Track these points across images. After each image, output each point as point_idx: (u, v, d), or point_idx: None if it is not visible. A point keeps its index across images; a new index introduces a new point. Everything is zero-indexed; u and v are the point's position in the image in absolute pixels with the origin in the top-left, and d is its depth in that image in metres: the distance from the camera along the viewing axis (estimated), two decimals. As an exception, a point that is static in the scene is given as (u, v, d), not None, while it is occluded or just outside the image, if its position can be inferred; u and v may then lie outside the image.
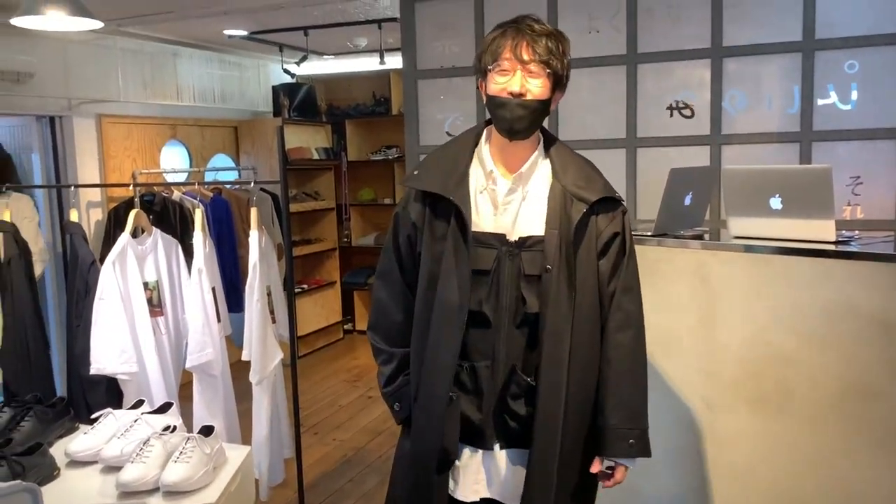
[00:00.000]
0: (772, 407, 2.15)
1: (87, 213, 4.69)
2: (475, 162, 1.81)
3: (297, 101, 6.16)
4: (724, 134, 3.13)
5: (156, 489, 1.80)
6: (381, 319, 1.91)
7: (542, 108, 1.73)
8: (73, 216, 3.04)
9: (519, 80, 1.68)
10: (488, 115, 1.81)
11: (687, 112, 3.20)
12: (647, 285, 2.32)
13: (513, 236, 1.75)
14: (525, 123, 1.72)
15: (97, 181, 4.69)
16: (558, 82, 1.75)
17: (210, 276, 2.76)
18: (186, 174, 5.45)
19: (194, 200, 4.92)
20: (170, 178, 5.23)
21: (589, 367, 1.79)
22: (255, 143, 5.93)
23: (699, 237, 2.35)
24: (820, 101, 2.97)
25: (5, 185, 3.17)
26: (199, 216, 2.80)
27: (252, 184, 3.15)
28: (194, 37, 5.02)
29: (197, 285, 2.67)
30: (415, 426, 1.81)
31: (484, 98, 1.79)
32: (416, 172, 1.83)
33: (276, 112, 6.14)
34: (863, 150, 2.94)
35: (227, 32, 4.81)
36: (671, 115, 3.22)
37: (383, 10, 4.14)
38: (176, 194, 4.78)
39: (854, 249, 2.00)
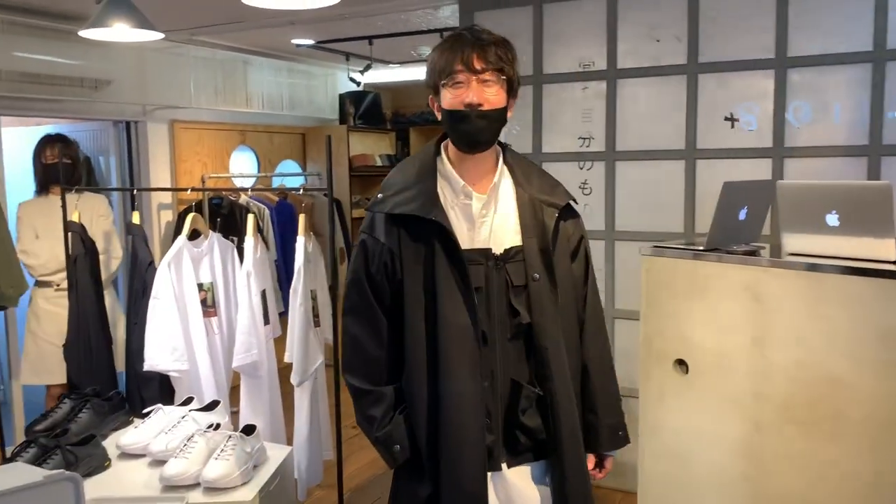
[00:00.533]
0: (824, 432, 2.07)
1: (158, 215, 4.88)
2: (439, 179, 1.77)
3: (363, 109, 6.27)
4: (787, 147, 3.04)
5: (197, 484, 1.86)
6: (359, 358, 1.78)
7: (501, 116, 1.72)
8: (136, 218, 3.18)
9: (475, 90, 1.65)
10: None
11: (748, 123, 3.12)
12: (697, 301, 2.28)
13: (497, 250, 1.73)
14: (487, 135, 1.71)
15: (169, 184, 4.88)
16: (511, 88, 1.73)
17: (260, 279, 2.83)
18: (254, 179, 5.61)
19: (260, 204, 5.07)
20: (237, 183, 5.39)
21: (576, 369, 1.82)
22: (322, 150, 6.05)
23: (752, 253, 2.28)
24: (890, 114, 2.85)
25: (74, 188, 3.32)
26: (250, 221, 2.88)
27: (301, 190, 3.20)
28: (264, 46, 5.16)
29: (245, 288, 2.76)
30: (446, 466, 1.68)
31: (438, 115, 1.75)
32: (380, 196, 1.75)
33: (342, 119, 6.26)
34: (937, 166, 2.81)
35: (295, 42, 4.93)
36: (732, 127, 3.15)
37: (444, 19, 4.17)
38: (243, 198, 4.93)
39: (914, 270, 1.91)
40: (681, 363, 2.35)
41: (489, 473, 1.73)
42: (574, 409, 1.76)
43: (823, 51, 2.94)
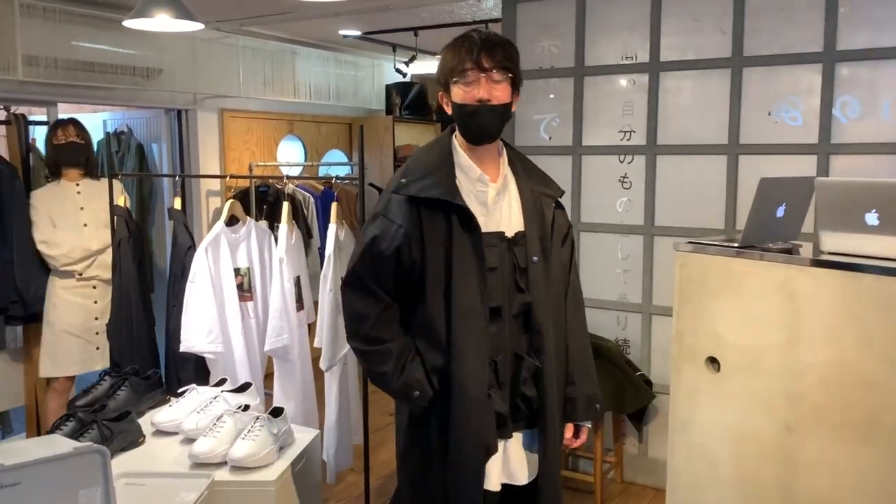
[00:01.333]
0: (857, 435, 2.02)
1: (207, 201, 5.00)
2: (457, 169, 1.90)
3: (409, 100, 6.30)
4: (834, 143, 2.96)
5: (224, 463, 1.91)
6: (362, 325, 1.88)
7: (507, 111, 1.88)
8: (177, 203, 3.27)
9: (484, 86, 1.81)
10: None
11: (793, 119, 3.04)
12: (730, 299, 2.25)
13: (509, 233, 1.90)
14: (494, 127, 1.87)
15: (217, 171, 4.99)
16: (516, 86, 1.89)
17: (294, 265, 2.89)
18: (301, 168, 5.69)
19: (306, 193, 5.15)
20: (285, 171, 5.49)
21: (561, 344, 1.99)
22: (368, 140, 6.10)
23: (788, 251, 2.23)
24: (943, 110, 2.76)
25: (120, 174, 3.39)
26: (285, 208, 2.94)
27: (334, 179, 3.23)
28: (311, 36, 5.23)
29: (278, 274, 2.82)
30: (455, 428, 1.83)
31: (448, 109, 1.90)
32: (403, 181, 1.86)
33: (389, 110, 6.31)
34: None
35: (342, 32, 4.99)
36: (776, 122, 3.08)
37: (489, 11, 4.17)
38: (289, 186, 5.01)
39: (955, 272, 1.85)
40: (713, 361, 2.32)
41: (503, 442, 1.90)
42: (555, 379, 1.94)
43: (873, 45, 2.85)
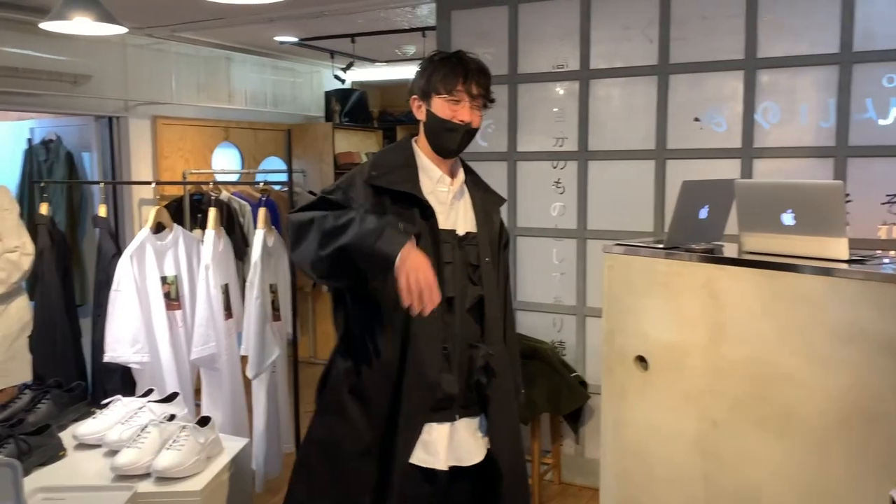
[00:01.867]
0: (776, 428, 2.09)
1: (140, 211, 4.88)
2: (419, 169, 2.04)
3: (349, 107, 6.28)
4: (756, 147, 3.06)
5: (148, 474, 1.87)
6: (324, 222, 1.80)
7: (475, 134, 2.05)
8: (102, 211, 3.19)
9: (468, 110, 1.97)
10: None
11: (718, 124, 3.14)
12: (656, 298, 2.30)
13: (460, 232, 2.04)
14: (464, 146, 2.03)
15: (150, 180, 4.87)
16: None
17: (222, 272, 2.85)
18: (237, 175, 5.61)
19: (242, 201, 5.08)
20: (219, 179, 5.40)
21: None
22: (307, 148, 6.06)
23: (710, 251, 2.30)
24: (856, 116, 2.88)
25: (43, 181, 3.28)
26: (212, 214, 2.90)
27: (261, 184, 3.20)
28: (246, 42, 5.17)
29: (203, 281, 2.78)
30: (408, 400, 1.92)
31: (418, 115, 2.02)
32: (374, 173, 1.98)
33: (328, 117, 6.27)
34: (901, 168, 2.83)
35: (278, 39, 4.94)
36: (702, 128, 3.17)
37: (424, 18, 4.19)
38: (224, 194, 4.94)
39: (864, 269, 1.93)
40: (641, 360, 2.37)
41: (447, 424, 1.99)
42: (509, 369, 2.13)
43: (791, 52, 2.97)
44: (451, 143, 2.00)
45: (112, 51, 4.54)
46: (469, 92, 1.96)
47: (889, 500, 1.11)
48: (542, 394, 3.29)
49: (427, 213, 1.96)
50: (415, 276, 1.71)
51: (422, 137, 2.06)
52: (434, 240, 1.96)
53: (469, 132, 2.00)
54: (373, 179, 1.96)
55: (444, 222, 2.01)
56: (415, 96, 2.03)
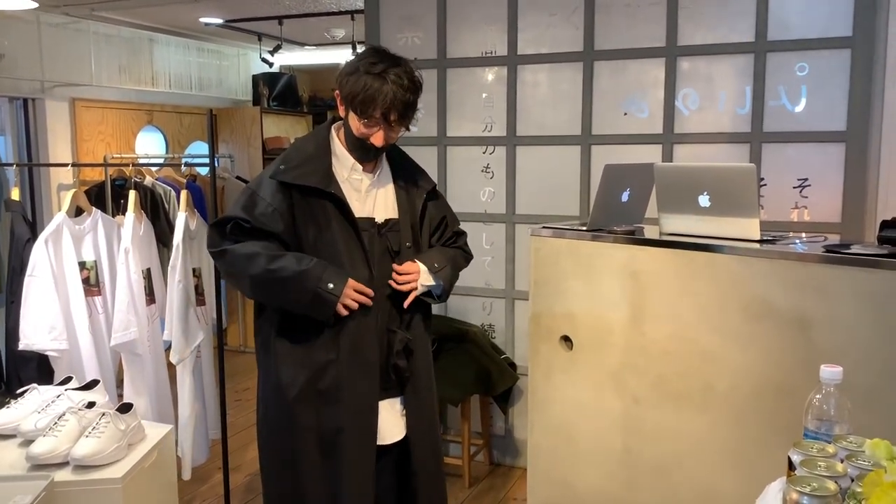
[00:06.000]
0: (695, 403, 2.17)
1: (58, 195, 4.71)
2: (333, 158, 2.05)
3: (277, 91, 6.18)
4: (677, 133, 3.15)
5: (66, 462, 1.82)
6: (255, 263, 1.94)
7: (393, 145, 2.09)
8: (15, 194, 3.07)
9: (383, 135, 1.97)
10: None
11: (640, 110, 3.22)
12: (580, 279, 2.36)
13: (379, 219, 2.06)
14: (378, 157, 2.08)
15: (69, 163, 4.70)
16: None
17: (143, 257, 2.78)
18: (162, 160, 5.46)
19: (167, 186, 4.95)
20: (143, 163, 5.24)
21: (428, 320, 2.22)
22: (234, 132, 5.94)
23: (631, 233, 2.37)
24: (771, 103, 3.00)
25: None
26: (132, 198, 2.83)
27: (183, 167, 3.14)
28: (171, 23, 5.03)
29: (123, 265, 2.71)
30: (352, 388, 2.01)
31: (341, 108, 2.01)
32: (282, 167, 1.98)
33: (256, 101, 6.16)
34: (811, 153, 2.96)
35: (203, 20, 4.82)
36: (625, 114, 3.24)
37: (353, 1, 4.15)
38: (148, 179, 4.80)
39: (774, 248, 2.01)
40: (566, 340, 2.42)
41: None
42: (428, 352, 2.18)
43: (710, 41, 3.06)
44: (363, 156, 2.04)
45: (26, 29, 4.35)
46: (387, 119, 1.94)
47: (787, 459, 1.18)
48: (472, 375, 3.33)
49: (339, 205, 1.98)
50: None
51: (341, 127, 2.07)
52: (351, 230, 1.99)
53: (381, 150, 2.02)
54: (279, 175, 1.97)
55: (360, 210, 2.02)
56: (337, 91, 2.01)
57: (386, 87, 1.89)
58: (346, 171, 2.04)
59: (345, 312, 1.95)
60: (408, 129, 2.07)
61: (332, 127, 2.09)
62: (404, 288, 2.06)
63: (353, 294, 1.94)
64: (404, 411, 2.14)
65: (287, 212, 1.95)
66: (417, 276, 2.08)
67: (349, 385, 2.00)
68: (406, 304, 2.07)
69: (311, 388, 1.99)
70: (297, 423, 2.00)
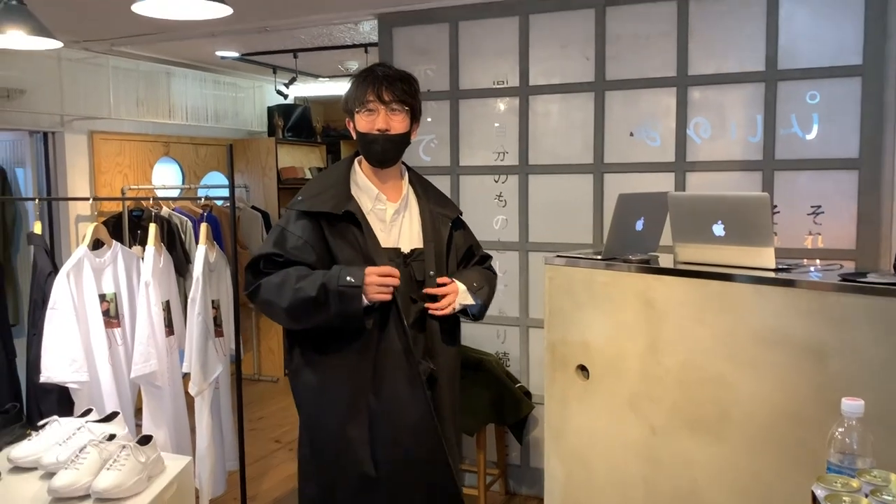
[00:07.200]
0: (712, 432, 2.17)
1: (76, 227, 4.77)
2: (354, 188, 2.08)
3: (292, 122, 6.26)
4: (689, 161, 3.17)
5: (87, 496, 1.83)
6: (284, 289, 1.97)
7: (404, 139, 2.10)
8: (37, 228, 3.11)
9: (383, 117, 2.02)
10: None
11: (652, 139, 3.24)
12: (595, 308, 2.37)
13: (405, 249, 2.09)
14: (392, 153, 2.08)
15: (87, 196, 4.77)
16: (415, 116, 2.10)
17: (163, 289, 2.82)
18: (178, 191, 5.53)
19: (183, 216, 5.01)
20: (160, 195, 5.31)
21: (457, 350, 2.24)
22: (250, 162, 6.02)
23: (646, 262, 2.38)
24: (782, 131, 3.01)
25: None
26: (152, 230, 2.87)
27: (202, 199, 3.18)
28: (187, 57, 5.12)
29: (143, 298, 2.74)
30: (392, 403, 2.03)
31: (354, 134, 2.09)
32: (300, 198, 2.03)
33: (271, 132, 6.24)
34: (823, 180, 2.97)
35: (219, 53, 4.91)
36: (637, 142, 3.27)
37: (367, 34, 4.22)
38: (165, 210, 4.86)
39: (788, 277, 2.02)
40: (582, 369, 2.43)
41: None
42: (454, 384, 2.18)
43: (720, 70, 3.09)
44: (376, 153, 2.06)
45: (47, 65, 4.44)
46: (381, 99, 2.01)
47: (811, 495, 1.17)
48: (488, 404, 3.33)
49: (362, 228, 2.01)
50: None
51: (363, 156, 2.13)
52: (378, 259, 2.00)
53: (390, 139, 2.04)
54: (296, 205, 2.02)
55: (385, 241, 2.06)
56: (347, 119, 2.12)
57: (373, 75, 2.04)
58: (371, 201, 2.08)
59: (381, 298, 1.94)
60: (415, 117, 2.10)
61: (355, 159, 2.15)
62: (441, 313, 2.08)
63: (376, 279, 1.93)
64: None
65: (318, 242, 2.00)
66: (454, 296, 2.10)
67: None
68: (440, 313, 2.08)
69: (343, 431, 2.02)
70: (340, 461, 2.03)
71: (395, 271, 1.97)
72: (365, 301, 1.93)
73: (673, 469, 2.26)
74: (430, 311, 2.06)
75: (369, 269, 1.94)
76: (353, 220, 2.00)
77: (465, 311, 2.15)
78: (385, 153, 2.06)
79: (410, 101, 2.06)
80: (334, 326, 1.97)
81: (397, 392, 2.00)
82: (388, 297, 1.96)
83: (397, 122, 2.04)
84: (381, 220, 2.08)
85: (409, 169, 2.24)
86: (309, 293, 1.91)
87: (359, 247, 2.00)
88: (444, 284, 2.10)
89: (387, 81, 2.02)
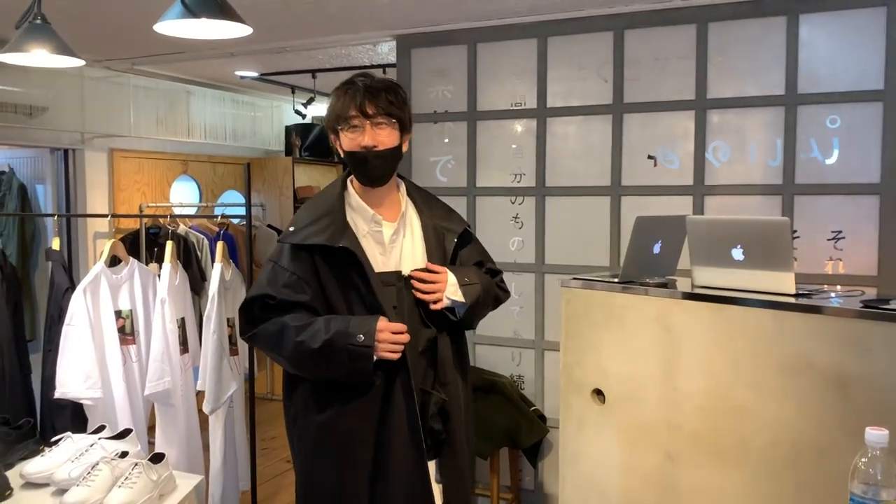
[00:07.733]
0: (730, 460, 2.13)
1: (94, 244, 4.81)
2: (349, 211, 1.93)
3: (309, 141, 6.30)
4: (707, 185, 3.14)
5: (98, 513, 1.82)
6: (286, 337, 1.85)
7: (395, 153, 1.93)
8: (55, 244, 3.14)
9: (369, 133, 1.85)
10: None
11: (670, 162, 3.22)
12: (613, 332, 2.34)
13: (406, 271, 1.93)
14: (384, 170, 1.91)
15: (106, 213, 4.81)
16: (404, 127, 1.93)
17: (178, 306, 2.82)
18: (195, 209, 5.57)
19: (199, 234, 5.03)
20: (177, 213, 5.35)
21: (465, 376, 2.10)
22: (266, 181, 6.05)
23: (664, 285, 2.35)
24: (802, 155, 2.99)
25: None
26: (169, 248, 2.88)
27: (218, 217, 3.19)
28: (207, 76, 5.18)
29: (159, 315, 2.75)
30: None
31: (341, 153, 1.93)
32: (291, 229, 1.89)
33: (288, 151, 6.28)
34: (845, 205, 2.93)
35: (239, 73, 4.96)
36: (655, 165, 3.25)
37: (385, 55, 4.25)
38: (182, 228, 4.89)
39: (810, 303, 1.99)
40: (598, 393, 2.40)
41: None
42: (467, 410, 2.05)
43: (740, 94, 3.07)
44: (366, 172, 1.90)
45: (69, 83, 4.50)
46: (364, 113, 1.83)
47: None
48: (501, 428, 3.29)
49: (355, 261, 1.84)
50: (388, 346, 1.80)
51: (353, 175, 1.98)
52: (369, 288, 1.85)
53: (379, 155, 1.87)
54: (287, 238, 1.87)
55: (385, 264, 1.91)
56: (333, 137, 1.95)
57: (353, 87, 1.87)
58: (367, 223, 1.93)
59: (391, 357, 1.81)
60: (405, 128, 1.93)
61: (348, 178, 1.99)
62: (427, 297, 1.91)
63: (389, 336, 1.80)
64: (439, 475, 2.01)
65: (312, 276, 1.85)
66: (444, 285, 1.92)
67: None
68: (433, 307, 1.92)
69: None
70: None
71: (404, 327, 1.83)
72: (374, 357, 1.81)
73: (690, 498, 2.22)
74: (416, 295, 1.91)
75: (382, 325, 1.79)
76: (351, 257, 1.84)
77: (452, 309, 1.98)
78: (375, 171, 1.90)
79: (397, 112, 1.88)
80: (336, 380, 1.87)
81: (400, 467, 1.90)
82: (398, 356, 1.83)
83: (384, 136, 1.87)
84: (379, 243, 1.93)
85: (404, 180, 2.09)
86: (313, 348, 1.78)
87: (359, 294, 1.86)
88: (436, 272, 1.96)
89: (369, 93, 1.84)
